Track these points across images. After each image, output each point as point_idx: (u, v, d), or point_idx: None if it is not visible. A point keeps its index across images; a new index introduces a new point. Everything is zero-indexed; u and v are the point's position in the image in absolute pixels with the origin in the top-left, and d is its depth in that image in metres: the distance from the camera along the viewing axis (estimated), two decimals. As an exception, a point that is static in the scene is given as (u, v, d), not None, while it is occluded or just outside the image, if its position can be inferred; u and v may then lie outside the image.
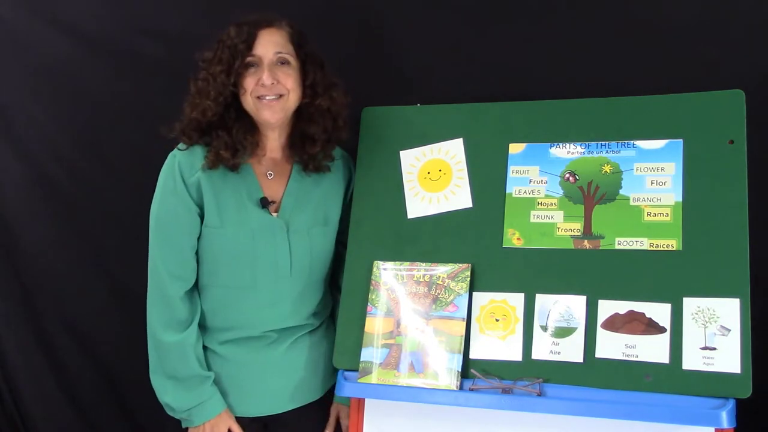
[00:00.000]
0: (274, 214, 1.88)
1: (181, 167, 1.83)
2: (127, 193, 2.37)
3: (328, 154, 1.91)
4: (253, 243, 1.85)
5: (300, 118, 1.89)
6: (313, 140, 1.88)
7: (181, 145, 1.86)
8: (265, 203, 1.87)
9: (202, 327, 1.91)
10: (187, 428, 1.90)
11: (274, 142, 1.91)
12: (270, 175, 1.91)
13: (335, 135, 1.91)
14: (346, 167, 2.01)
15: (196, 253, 1.88)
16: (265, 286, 1.87)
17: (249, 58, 1.79)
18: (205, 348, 1.90)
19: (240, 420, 1.90)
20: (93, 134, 2.43)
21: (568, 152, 1.85)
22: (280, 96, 1.81)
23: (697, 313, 1.66)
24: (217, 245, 1.85)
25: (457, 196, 1.91)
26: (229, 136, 1.82)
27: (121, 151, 2.40)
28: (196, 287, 1.90)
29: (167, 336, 1.84)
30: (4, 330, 2.50)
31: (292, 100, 1.83)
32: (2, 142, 2.46)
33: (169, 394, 1.86)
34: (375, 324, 1.85)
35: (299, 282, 1.90)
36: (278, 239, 1.87)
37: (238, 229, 1.84)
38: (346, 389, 1.82)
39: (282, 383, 1.92)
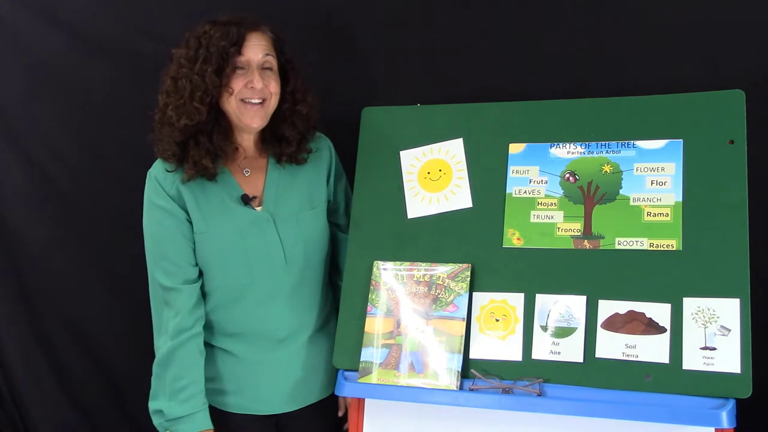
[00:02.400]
0: (258, 208, 1.90)
1: (159, 181, 1.86)
2: (127, 193, 2.35)
3: (303, 148, 1.93)
4: (243, 240, 1.86)
5: (275, 120, 1.90)
6: (288, 141, 1.91)
7: (169, 166, 1.86)
8: (246, 200, 1.88)
9: (209, 328, 1.90)
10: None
11: (248, 142, 1.92)
12: (247, 172, 1.92)
13: (308, 134, 1.94)
14: (325, 148, 2.01)
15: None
16: (262, 280, 1.88)
17: (238, 60, 1.80)
18: (213, 346, 1.91)
19: (252, 417, 1.90)
20: (93, 134, 2.43)
21: (568, 152, 1.85)
22: (263, 100, 1.83)
23: (697, 313, 1.66)
24: (208, 249, 1.86)
25: (457, 196, 1.91)
26: (210, 141, 1.82)
27: (121, 151, 2.40)
28: (201, 293, 1.90)
29: (171, 343, 1.83)
30: (4, 330, 2.50)
31: (273, 104, 1.86)
32: (2, 142, 2.46)
33: (160, 400, 1.84)
34: (375, 324, 1.85)
35: (297, 270, 1.90)
36: (267, 232, 1.88)
37: (224, 230, 1.86)
38: (346, 389, 1.82)
39: (292, 382, 1.92)
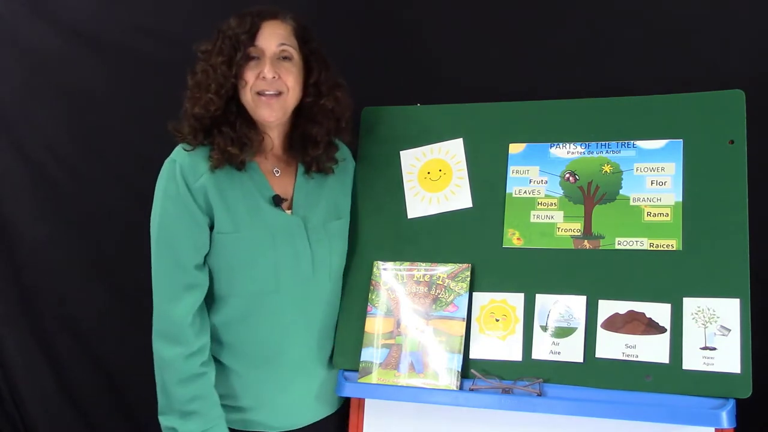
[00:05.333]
0: (288, 212, 1.80)
1: (184, 172, 1.72)
2: (126, 193, 2.37)
3: (331, 156, 1.86)
4: (274, 245, 1.75)
5: (301, 118, 1.82)
6: (315, 142, 1.82)
7: (186, 146, 1.75)
8: (278, 201, 1.78)
9: (218, 342, 1.80)
10: None
11: (275, 139, 1.83)
12: (277, 172, 1.83)
13: (337, 136, 1.87)
14: (350, 161, 1.98)
15: (205, 263, 1.76)
16: (288, 289, 1.78)
17: (251, 50, 1.72)
18: (221, 363, 1.80)
19: None
20: (93, 134, 2.43)
21: (568, 152, 1.85)
22: (279, 93, 1.74)
23: (697, 313, 1.66)
24: (234, 251, 1.74)
25: (457, 196, 1.91)
26: (233, 130, 1.73)
27: (121, 151, 2.41)
28: (204, 306, 1.77)
29: (174, 356, 1.71)
30: (4, 330, 2.50)
31: (291, 98, 1.76)
32: (2, 141, 2.46)
33: (172, 417, 1.73)
34: (375, 324, 1.85)
35: (322, 281, 1.83)
36: (297, 238, 1.78)
37: (254, 231, 1.75)
38: (346, 389, 1.82)
39: (305, 397, 1.85)
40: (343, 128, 1.85)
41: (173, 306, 1.71)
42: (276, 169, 1.84)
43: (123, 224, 2.36)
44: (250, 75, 1.72)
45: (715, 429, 1.60)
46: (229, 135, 1.73)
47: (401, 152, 1.97)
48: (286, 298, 1.78)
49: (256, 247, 1.75)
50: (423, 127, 1.97)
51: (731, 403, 1.58)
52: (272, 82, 1.72)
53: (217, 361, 1.80)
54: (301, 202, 1.83)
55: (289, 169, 1.86)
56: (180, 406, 1.72)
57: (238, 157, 1.73)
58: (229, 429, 1.78)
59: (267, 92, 1.73)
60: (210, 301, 1.79)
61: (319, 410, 1.88)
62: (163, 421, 1.75)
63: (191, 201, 1.72)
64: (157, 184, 1.76)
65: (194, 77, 1.75)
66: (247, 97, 1.74)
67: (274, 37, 1.73)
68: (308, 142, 1.82)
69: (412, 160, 1.96)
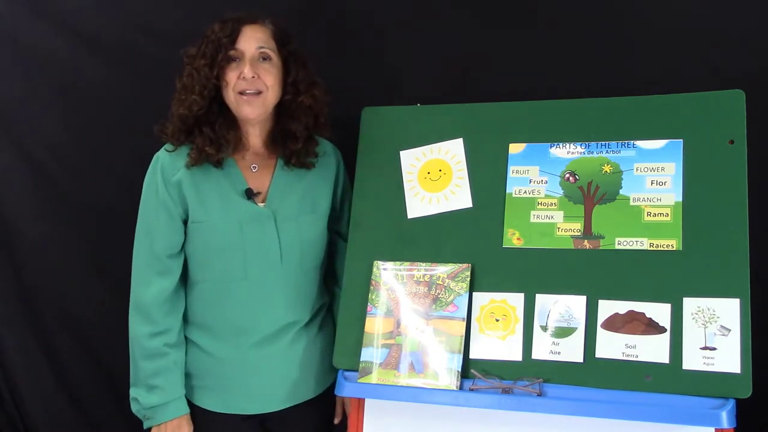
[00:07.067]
0: (261, 204, 1.90)
1: (163, 168, 1.87)
2: (126, 192, 2.36)
3: (311, 151, 1.93)
4: (242, 233, 1.86)
5: (281, 115, 1.92)
6: (295, 137, 1.91)
7: (168, 146, 1.89)
8: (250, 194, 1.89)
9: (195, 324, 1.92)
10: (149, 428, 1.91)
11: (255, 137, 1.93)
12: (254, 168, 1.93)
13: (316, 132, 1.94)
14: (333, 156, 2.02)
15: (183, 251, 1.90)
16: (256, 276, 1.87)
17: (231, 52, 1.83)
18: (197, 345, 1.91)
19: (236, 417, 1.90)
20: (93, 134, 2.43)
21: (568, 152, 1.85)
22: (259, 92, 1.84)
23: (697, 313, 1.66)
24: (205, 238, 1.87)
25: (457, 196, 1.91)
26: (213, 131, 1.85)
27: (121, 150, 2.40)
28: (179, 291, 1.91)
29: (141, 333, 1.86)
30: (4, 330, 2.50)
31: (271, 96, 1.86)
32: (2, 141, 2.46)
33: (138, 389, 1.88)
34: (375, 324, 1.85)
35: (291, 271, 1.90)
36: (266, 228, 1.88)
37: (224, 220, 1.86)
38: (346, 389, 1.82)
39: (279, 380, 1.91)
40: (322, 124, 1.94)
41: (144, 288, 1.87)
42: (253, 165, 1.93)
43: (123, 223, 2.35)
44: (231, 75, 1.83)
45: (715, 429, 1.60)
46: (208, 136, 1.85)
47: (401, 152, 1.97)
48: (255, 285, 1.88)
49: (225, 236, 1.86)
50: (423, 127, 1.97)
51: (731, 403, 1.58)
52: (252, 81, 1.82)
53: (193, 342, 1.92)
54: (275, 195, 1.91)
55: (268, 164, 1.94)
56: (145, 380, 1.87)
57: (215, 156, 1.85)
58: (205, 410, 1.91)
59: (248, 91, 1.83)
60: (186, 285, 1.94)
61: (294, 395, 1.93)
62: (131, 392, 1.90)
63: (167, 196, 1.86)
64: (144, 179, 1.92)
65: (181, 80, 1.88)
66: (230, 97, 1.85)
67: (253, 41, 1.84)
68: (288, 138, 1.91)
69: (412, 160, 1.96)
